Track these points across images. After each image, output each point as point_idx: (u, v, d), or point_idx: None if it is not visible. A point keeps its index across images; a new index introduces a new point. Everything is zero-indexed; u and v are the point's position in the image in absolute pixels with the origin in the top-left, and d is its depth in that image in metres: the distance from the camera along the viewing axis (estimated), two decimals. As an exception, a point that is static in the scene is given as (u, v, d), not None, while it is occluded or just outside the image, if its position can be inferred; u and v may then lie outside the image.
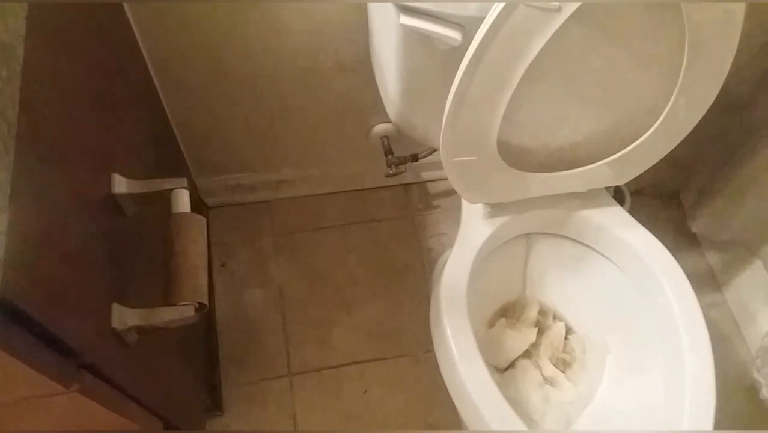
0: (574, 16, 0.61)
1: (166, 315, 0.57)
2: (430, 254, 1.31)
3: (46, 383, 0.45)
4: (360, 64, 1.01)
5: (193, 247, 0.60)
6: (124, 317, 0.55)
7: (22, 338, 0.41)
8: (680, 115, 0.78)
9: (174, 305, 0.58)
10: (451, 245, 0.91)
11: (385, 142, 1.19)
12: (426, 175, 1.36)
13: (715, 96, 0.75)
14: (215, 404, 1.11)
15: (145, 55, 0.92)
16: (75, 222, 0.51)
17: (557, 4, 0.59)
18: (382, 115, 1.01)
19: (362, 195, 1.36)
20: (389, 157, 1.17)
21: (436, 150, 1.09)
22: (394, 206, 1.35)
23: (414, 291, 1.25)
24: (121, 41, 0.80)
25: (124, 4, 0.83)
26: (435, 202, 1.36)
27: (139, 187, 0.62)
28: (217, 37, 0.94)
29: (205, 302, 0.59)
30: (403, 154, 1.17)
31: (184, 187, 0.63)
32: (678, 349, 0.83)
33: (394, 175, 1.17)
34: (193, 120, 1.10)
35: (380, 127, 1.18)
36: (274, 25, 0.94)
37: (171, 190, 0.63)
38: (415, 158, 1.17)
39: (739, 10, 0.64)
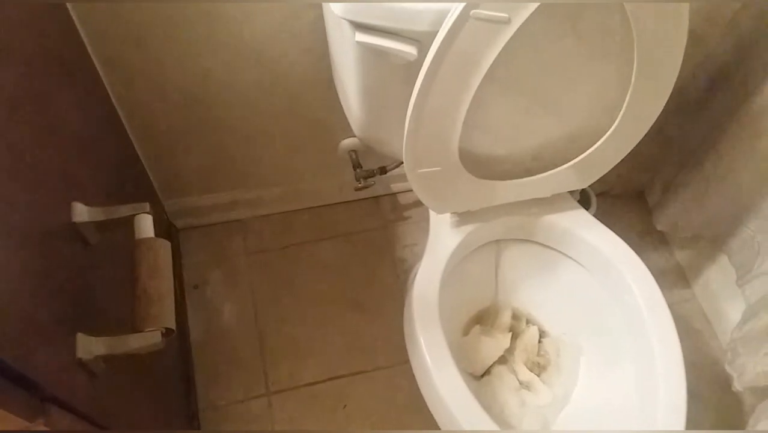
0: (524, 25, 0.62)
1: (133, 342, 0.56)
2: (404, 264, 1.31)
3: (9, 418, 0.44)
4: (323, 82, 1.02)
5: (158, 272, 0.60)
6: (90, 346, 0.55)
7: (-19, 374, 0.40)
8: (636, 116, 0.80)
9: (141, 331, 0.57)
10: (423, 255, 0.92)
11: (353, 156, 1.20)
12: (396, 186, 1.37)
13: (667, 95, 0.77)
14: (193, 427, 1.10)
15: (105, 82, 0.91)
16: (35, 254, 0.50)
17: (506, 15, 0.60)
18: (349, 130, 1.02)
19: (334, 209, 1.36)
20: (358, 170, 1.18)
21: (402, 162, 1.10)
22: (365, 219, 1.36)
23: (389, 303, 1.25)
24: (80, 67, 0.79)
25: (79, 29, 0.83)
26: (406, 213, 1.37)
27: (100, 214, 0.61)
28: (181, 62, 0.94)
29: (172, 327, 0.58)
30: (372, 167, 1.18)
31: (147, 212, 0.63)
32: (647, 345, 0.84)
33: (363, 188, 1.18)
34: (159, 143, 1.09)
35: (347, 142, 1.19)
36: (238, 47, 0.94)
37: (134, 215, 0.63)
38: (383, 171, 1.18)
39: (683, 12, 0.66)
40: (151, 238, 0.61)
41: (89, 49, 0.86)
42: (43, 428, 0.49)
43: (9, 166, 0.48)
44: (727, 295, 1.23)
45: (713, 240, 1.23)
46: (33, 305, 0.48)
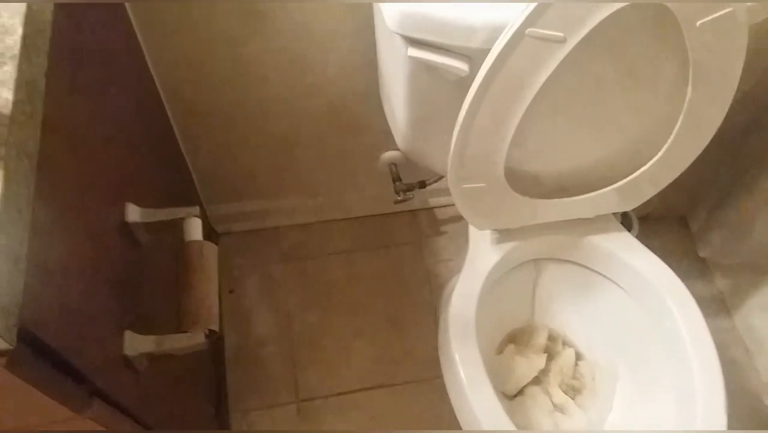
0: (579, 45, 0.62)
1: (177, 342, 0.57)
2: (438, 279, 1.31)
3: (59, 410, 0.45)
4: (369, 94, 1.03)
5: (205, 274, 0.61)
6: (136, 344, 0.56)
7: (37, 364, 0.41)
8: (686, 141, 0.78)
9: (186, 332, 0.58)
10: (458, 271, 0.92)
11: (394, 169, 1.20)
12: (434, 201, 1.37)
13: (720, 121, 0.76)
14: (222, 430, 1.11)
15: (159, 86, 0.94)
16: (90, 251, 0.52)
17: (562, 34, 0.60)
18: (391, 143, 1.03)
19: (371, 221, 1.37)
20: (397, 184, 1.18)
21: (443, 177, 1.10)
22: (402, 232, 1.36)
23: (422, 317, 1.25)
24: (136, 73, 0.81)
25: (138, 35, 0.85)
26: (443, 228, 1.37)
27: (152, 216, 0.63)
28: (230, 69, 0.96)
29: (216, 329, 0.59)
30: (412, 180, 1.18)
31: (197, 216, 0.64)
32: (688, 375, 0.82)
33: (401, 201, 1.18)
34: (204, 149, 1.11)
35: (388, 155, 1.20)
36: (287, 55, 0.96)
37: (183, 218, 0.64)
38: (422, 185, 1.18)
39: (742, 35, 0.65)
40: (200, 241, 0.62)
41: (147, 58, 0.88)
42: (88, 421, 0.50)
43: (74, 163, 0.50)
44: (770, 327, 1.20)
45: (757, 269, 1.20)
46: (85, 300, 0.49)
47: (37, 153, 0.40)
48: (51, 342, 0.41)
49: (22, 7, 0.42)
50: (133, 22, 0.84)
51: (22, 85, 0.40)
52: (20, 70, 0.40)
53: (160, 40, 0.89)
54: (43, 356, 0.42)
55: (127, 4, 0.80)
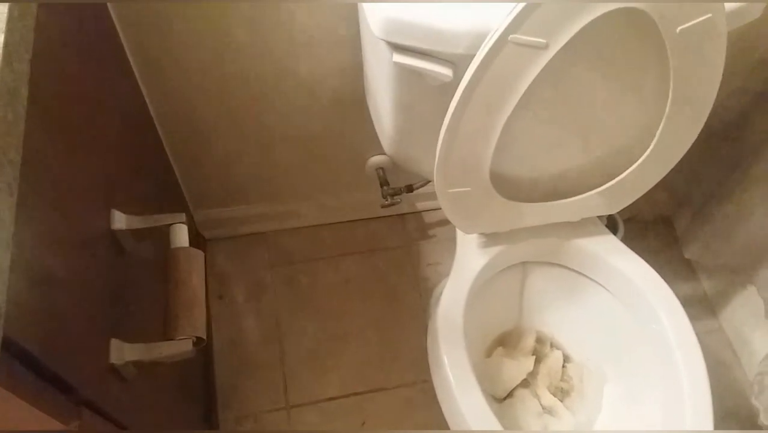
0: (561, 51, 0.62)
1: (164, 350, 0.57)
2: (427, 283, 1.31)
3: (45, 421, 0.45)
4: (355, 99, 1.03)
5: (192, 281, 0.61)
6: (123, 352, 0.55)
7: (23, 375, 0.41)
8: (669, 144, 0.79)
9: (172, 339, 0.58)
10: (447, 274, 0.92)
11: (381, 173, 1.21)
12: (421, 205, 1.38)
13: (702, 125, 0.77)
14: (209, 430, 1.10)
15: (144, 91, 0.94)
16: (75, 259, 0.51)
17: (544, 41, 0.61)
18: (378, 147, 1.03)
19: (359, 225, 1.37)
20: (385, 188, 1.19)
21: (430, 181, 1.11)
22: (390, 236, 1.36)
23: (411, 321, 1.25)
24: (120, 78, 0.81)
25: (122, 39, 0.85)
26: (431, 232, 1.38)
27: (137, 222, 0.63)
28: (216, 73, 0.96)
29: (204, 336, 0.59)
30: (399, 185, 1.18)
31: (183, 222, 0.64)
32: (675, 376, 0.83)
33: (389, 205, 1.19)
34: (191, 154, 1.11)
35: (376, 159, 1.20)
36: (273, 62, 0.96)
37: (169, 225, 0.64)
38: (410, 189, 1.19)
39: (722, 41, 0.66)
40: (186, 247, 0.62)
41: (132, 62, 0.88)
42: (75, 431, 0.50)
43: (58, 170, 0.49)
44: (754, 327, 1.21)
45: (742, 270, 1.21)
46: (71, 308, 0.49)
47: (20, 161, 0.40)
48: (36, 352, 0.41)
49: (3, 14, 0.42)
50: (117, 25, 0.83)
51: (5, 92, 0.39)
52: (2, 77, 0.39)
53: (145, 44, 0.89)
54: (28, 366, 0.41)
55: (109, 5, 0.80)
